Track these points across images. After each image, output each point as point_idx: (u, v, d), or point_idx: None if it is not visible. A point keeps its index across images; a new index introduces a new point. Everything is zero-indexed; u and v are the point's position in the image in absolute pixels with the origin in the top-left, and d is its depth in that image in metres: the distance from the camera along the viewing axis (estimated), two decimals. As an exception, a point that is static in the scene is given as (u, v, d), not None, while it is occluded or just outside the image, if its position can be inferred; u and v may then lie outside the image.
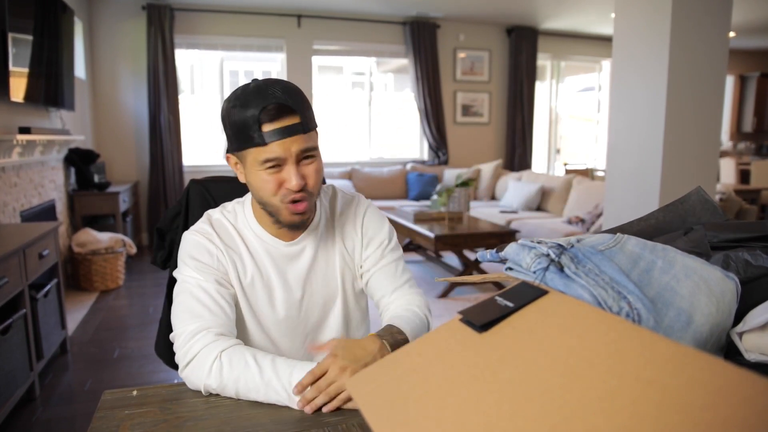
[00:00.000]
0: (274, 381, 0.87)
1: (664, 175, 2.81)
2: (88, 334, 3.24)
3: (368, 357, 0.88)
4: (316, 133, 1.01)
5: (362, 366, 0.85)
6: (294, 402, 0.85)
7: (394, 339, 0.96)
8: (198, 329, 0.96)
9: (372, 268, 1.15)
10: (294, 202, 0.99)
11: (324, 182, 1.22)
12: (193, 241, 1.05)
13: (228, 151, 1.03)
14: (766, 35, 7.37)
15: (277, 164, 0.96)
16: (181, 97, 5.65)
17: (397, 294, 1.15)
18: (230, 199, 1.24)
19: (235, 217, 1.10)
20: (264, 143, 0.93)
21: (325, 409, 0.84)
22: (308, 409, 0.84)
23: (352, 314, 1.18)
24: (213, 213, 1.11)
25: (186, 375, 0.93)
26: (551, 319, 0.56)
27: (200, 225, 1.08)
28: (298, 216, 1.01)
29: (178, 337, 0.97)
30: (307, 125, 0.96)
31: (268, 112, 0.92)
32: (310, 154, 0.98)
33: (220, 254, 1.04)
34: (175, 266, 1.30)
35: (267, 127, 0.93)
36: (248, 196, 1.11)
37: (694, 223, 0.91)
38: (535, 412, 0.45)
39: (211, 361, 0.91)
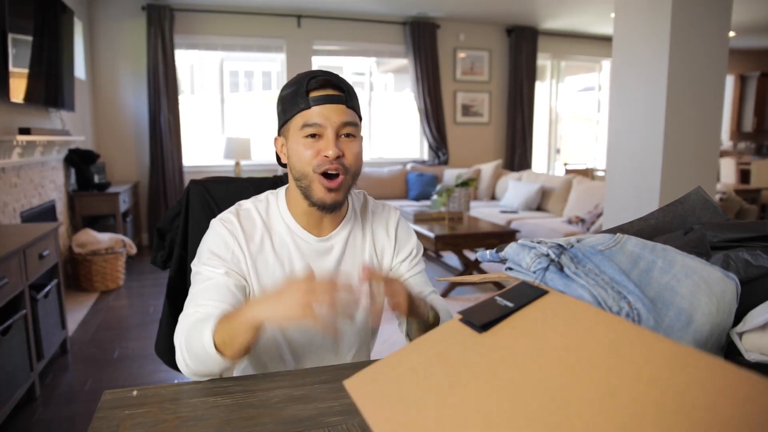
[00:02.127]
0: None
1: (664, 175, 2.81)
2: (89, 335, 3.24)
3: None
4: (360, 119, 1.05)
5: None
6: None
7: (435, 313, 1.03)
8: (195, 307, 0.99)
9: (404, 275, 1.17)
10: (329, 177, 1.00)
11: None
12: (214, 232, 1.06)
13: (277, 134, 1.09)
14: (766, 35, 7.37)
15: (318, 133, 1.00)
16: (181, 98, 5.65)
17: (429, 299, 1.15)
18: (231, 201, 1.23)
19: (267, 206, 1.11)
20: (308, 107, 0.99)
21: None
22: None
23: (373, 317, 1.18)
24: (244, 203, 1.12)
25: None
26: (551, 319, 0.56)
27: (226, 214, 1.09)
28: (331, 194, 1.01)
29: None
30: (349, 101, 1.02)
31: (316, 80, 1.00)
32: (351, 132, 1.02)
33: (236, 248, 1.04)
34: (176, 266, 1.31)
35: (312, 94, 1.00)
36: (282, 188, 1.14)
37: (694, 223, 0.91)
38: (535, 411, 0.45)
39: (187, 323, 0.96)
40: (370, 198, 1.21)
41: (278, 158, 1.12)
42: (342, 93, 1.01)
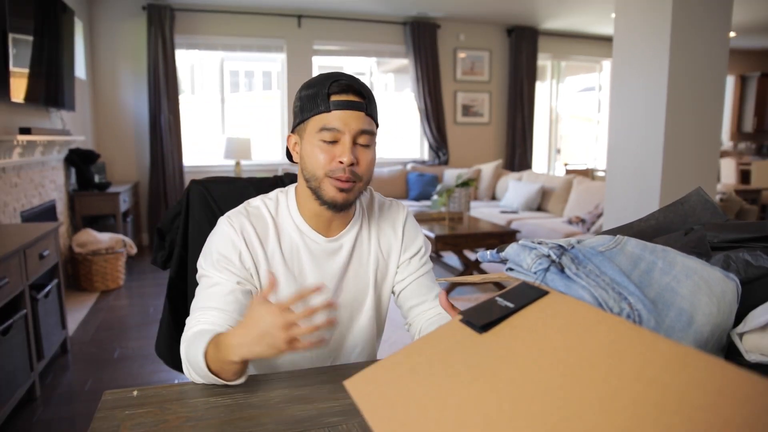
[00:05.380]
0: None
1: (665, 175, 2.81)
2: (89, 335, 3.24)
3: None
4: (377, 127, 1.04)
5: None
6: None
7: None
8: (199, 315, 0.98)
9: (408, 278, 1.15)
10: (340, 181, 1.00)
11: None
12: (221, 231, 1.04)
13: (291, 131, 1.07)
14: (766, 35, 7.37)
15: (334, 139, 0.98)
16: (181, 98, 5.65)
17: (433, 304, 1.14)
18: (231, 200, 1.22)
19: (277, 205, 1.09)
20: (328, 110, 0.98)
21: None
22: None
23: (381, 316, 1.18)
24: (253, 200, 1.10)
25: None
26: (552, 320, 0.56)
27: (236, 213, 1.06)
28: (341, 194, 0.99)
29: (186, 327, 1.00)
30: (369, 109, 1.01)
31: (338, 84, 0.99)
32: (366, 142, 1.01)
33: (243, 248, 1.02)
34: (176, 266, 1.31)
35: (333, 98, 0.98)
36: (291, 187, 1.12)
37: (694, 224, 0.91)
38: (535, 412, 0.45)
39: (188, 336, 0.95)
40: (377, 194, 1.19)
41: (288, 155, 1.11)
42: (363, 100, 1.00)
